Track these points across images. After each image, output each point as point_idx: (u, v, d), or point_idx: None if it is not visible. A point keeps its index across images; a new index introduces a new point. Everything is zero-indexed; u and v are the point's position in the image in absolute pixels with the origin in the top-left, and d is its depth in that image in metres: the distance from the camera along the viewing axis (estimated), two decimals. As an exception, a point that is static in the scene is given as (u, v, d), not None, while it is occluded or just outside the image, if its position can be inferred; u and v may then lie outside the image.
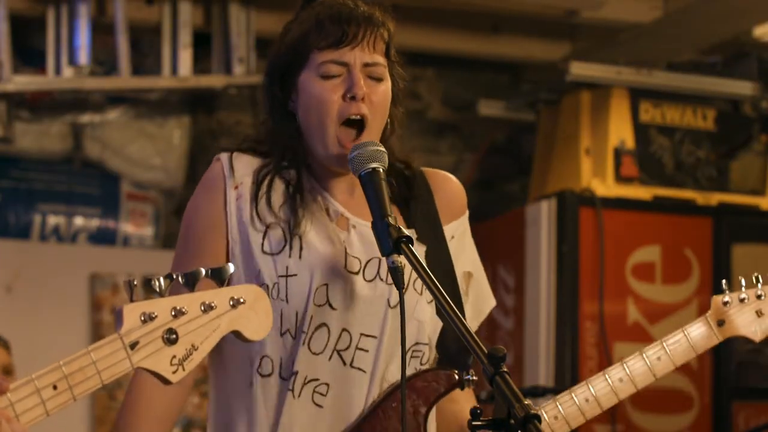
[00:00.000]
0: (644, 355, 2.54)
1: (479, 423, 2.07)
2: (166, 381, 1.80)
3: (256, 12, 5.36)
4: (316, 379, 2.29)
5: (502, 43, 5.75)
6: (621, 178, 5.43)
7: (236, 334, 1.86)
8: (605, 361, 5.14)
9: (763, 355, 5.34)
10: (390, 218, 2.16)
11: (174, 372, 1.78)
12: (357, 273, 2.32)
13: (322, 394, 2.29)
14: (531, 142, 6.07)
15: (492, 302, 2.54)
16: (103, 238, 5.68)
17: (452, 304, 2.07)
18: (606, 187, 5.39)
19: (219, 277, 1.83)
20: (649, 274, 5.37)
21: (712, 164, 5.60)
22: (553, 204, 5.33)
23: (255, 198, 2.35)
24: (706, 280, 5.43)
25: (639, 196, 5.43)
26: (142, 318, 1.78)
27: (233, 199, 2.35)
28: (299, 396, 2.28)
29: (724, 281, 2.66)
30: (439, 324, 2.40)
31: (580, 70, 5.43)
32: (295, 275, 2.30)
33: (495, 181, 6.30)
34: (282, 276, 2.30)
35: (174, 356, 1.79)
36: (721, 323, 2.60)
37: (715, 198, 5.55)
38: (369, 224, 2.23)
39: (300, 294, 2.29)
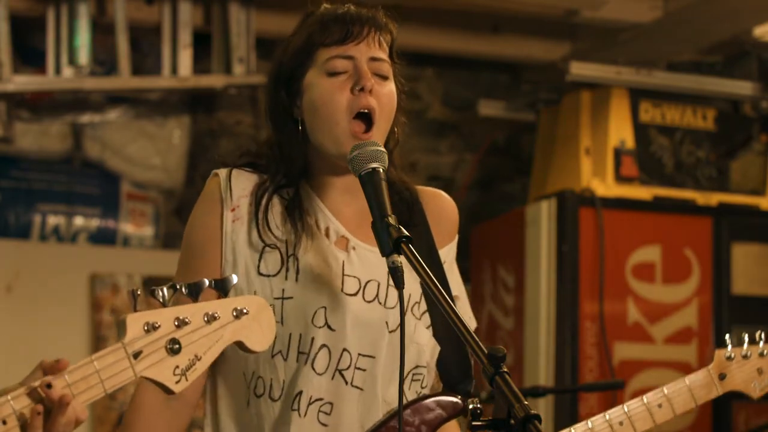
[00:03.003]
0: (645, 400, 2.58)
1: (479, 423, 2.07)
2: (169, 391, 1.80)
3: (256, 12, 5.35)
4: (321, 399, 2.29)
5: (502, 43, 5.74)
6: (621, 178, 5.42)
7: (239, 345, 1.86)
8: (605, 361, 5.14)
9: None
10: (390, 218, 2.14)
11: (177, 382, 1.79)
12: (355, 294, 2.32)
13: (326, 413, 2.30)
14: (531, 142, 6.07)
15: (473, 324, 2.49)
16: (103, 238, 5.67)
17: (452, 304, 2.06)
18: (606, 187, 5.39)
19: (222, 288, 1.83)
20: (649, 274, 5.38)
21: (712, 164, 5.60)
22: (553, 204, 5.33)
23: (254, 218, 2.34)
24: (706, 280, 5.44)
25: (639, 196, 5.43)
26: (146, 328, 1.78)
27: (229, 221, 2.35)
28: (305, 415, 2.28)
29: (727, 336, 2.73)
30: (437, 348, 2.40)
31: (580, 70, 5.43)
32: (291, 298, 2.30)
33: (495, 181, 6.30)
34: (278, 298, 2.30)
35: (177, 366, 1.79)
36: (722, 377, 2.67)
37: (715, 198, 5.55)
38: (370, 247, 2.22)
39: (295, 316, 2.29)
